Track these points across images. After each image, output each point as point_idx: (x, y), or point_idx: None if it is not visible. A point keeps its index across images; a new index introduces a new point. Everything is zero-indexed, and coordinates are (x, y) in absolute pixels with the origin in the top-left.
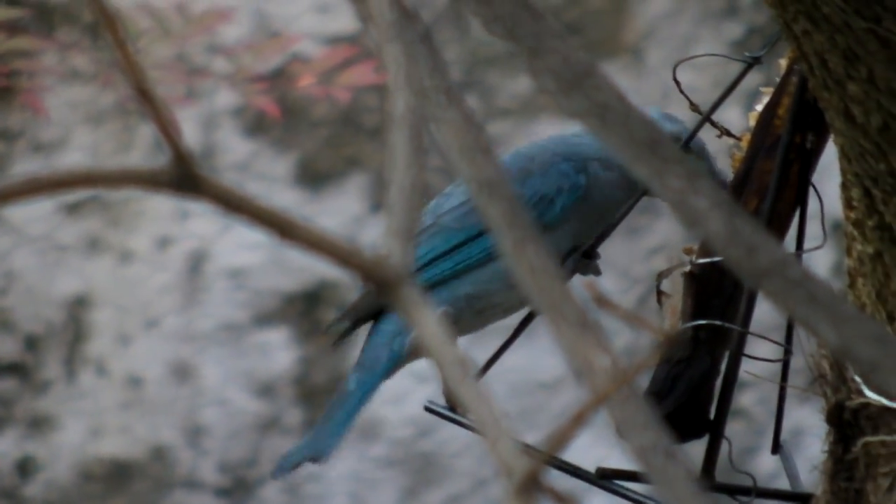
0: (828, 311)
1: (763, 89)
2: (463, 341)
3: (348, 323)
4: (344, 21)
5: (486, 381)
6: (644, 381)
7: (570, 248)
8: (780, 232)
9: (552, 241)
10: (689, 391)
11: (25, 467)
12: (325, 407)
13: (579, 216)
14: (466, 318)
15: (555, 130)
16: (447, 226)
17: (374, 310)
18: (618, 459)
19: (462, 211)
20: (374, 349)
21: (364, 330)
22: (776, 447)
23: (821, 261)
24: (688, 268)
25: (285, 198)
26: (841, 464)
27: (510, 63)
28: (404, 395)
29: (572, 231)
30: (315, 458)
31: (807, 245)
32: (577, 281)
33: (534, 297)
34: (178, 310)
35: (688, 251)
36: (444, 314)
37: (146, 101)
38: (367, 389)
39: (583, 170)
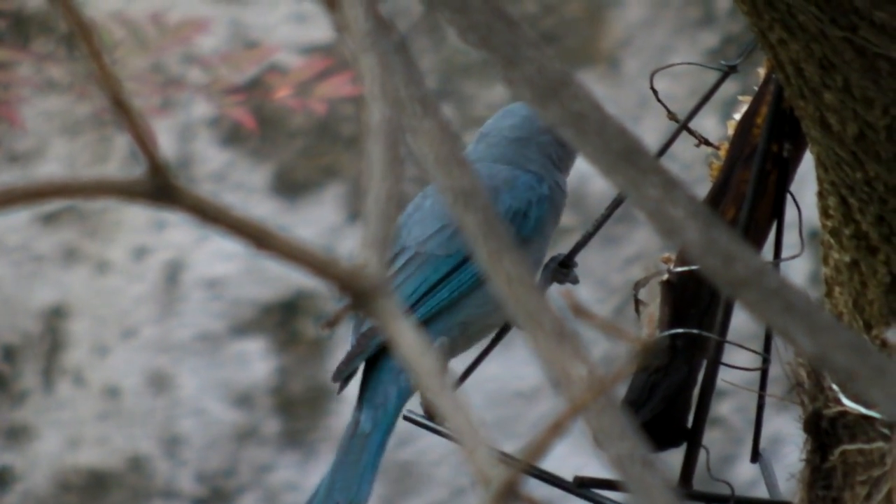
0: (805, 320)
1: (741, 98)
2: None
3: (357, 364)
4: (320, 31)
5: (463, 390)
6: (621, 390)
7: (546, 258)
8: (758, 241)
9: (531, 254)
10: (666, 400)
11: (3, 477)
12: (301, 423)
13: (550, 224)
14: (458, 344)
15: None
16: (433, 254)
17: (376, 347)
18: (595, 468)
19: (444, 236)
20: (382, 387)
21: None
22: (755, 456)
23: (798, 269)
24: (665, 277)
25: (262, 208)
26: (818, 472)
27: (486, 72)
28: None
29: (546, 241)
30: None
31: (784, 254)
32: (555, 290)
33: (511, 307)
34: (155, 320)
35: (665, 260)
36: (440, 346)
37: (122, 112)
38: (385, 430)
39: (543, 180)
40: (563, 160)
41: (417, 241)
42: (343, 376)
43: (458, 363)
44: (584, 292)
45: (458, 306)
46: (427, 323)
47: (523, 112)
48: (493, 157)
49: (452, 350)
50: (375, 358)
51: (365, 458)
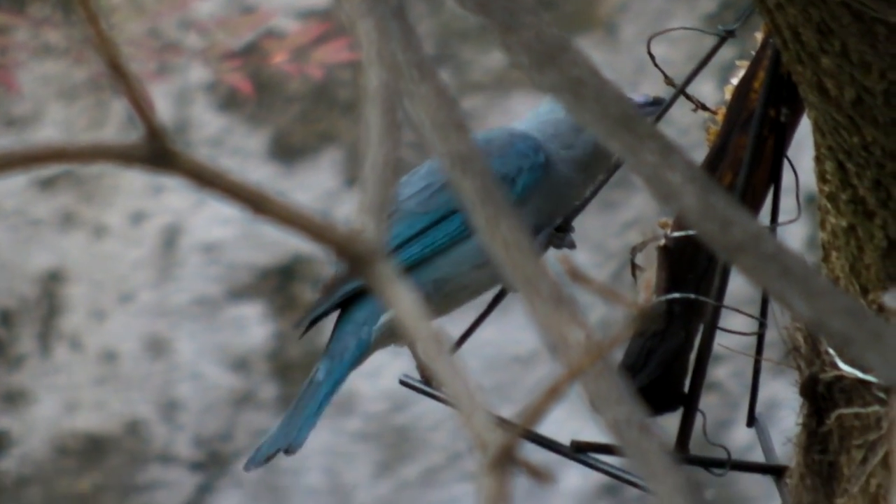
0: (801, 285)
1: (738, 63)
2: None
3: (319, 311)
4: None
5: (460, 355)
6: (618, 355)
7: (538, 226)
8: (755, 206)
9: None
10: (663, 365)
11: (0, 442)
12: (298, 387)
13: (541, 194)
14: (434, 302)
15: (528, 105)
16: (411, 211)
17: (342, 299)
18: (592, 433)
19: (425, 195)
20: (343, 338)
21: (334, 316)
22: (751, 420)
23: (795, 234)
24: (662, 241)
25: (259, 173)
26: (815, 436)
27: (483, 38)
28: (379, 370)
29: (535, 210)
30: (287, 450)
31: (781, 218)
32: (552, 255)
33: (508, 271)
34: (152, 285)
35: (662, 225)
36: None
37: (119, 77)
38: (336, 379)
39: (541, 148)
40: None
41: (399, 200)
42: (303, 325)
43: (455, 328)
44: (582, 257)
45: (431, 264)
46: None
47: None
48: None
49: (428, 307)
50: (345, 311)
51: (310, 405)
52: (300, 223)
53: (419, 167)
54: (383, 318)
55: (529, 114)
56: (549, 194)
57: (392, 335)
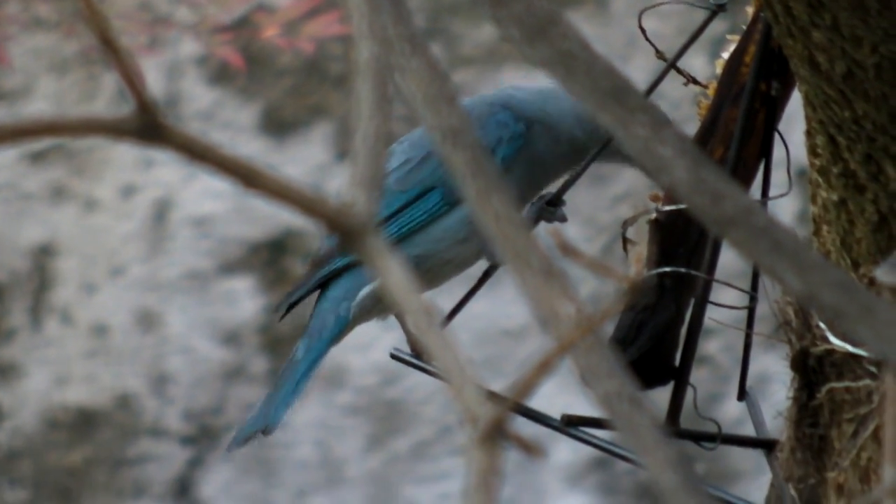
0: (793, 259)
1: (729, 37)
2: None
3: (297, 295)
4: None
5: (450, 328)
6: (609, 329)
7: (518, 197)
8: (746, 180)
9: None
10: (653, 338)
11: None
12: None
13: (522, 165)
14: (416, 279)
15: (519, 78)
16: (389, 189)
17: (321, 280)
18: (583, 406)
19: (403, 171)
20: (322, 316)
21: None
22: (742, 394)
23: (786, 208)
24: (653, 215)
25: (250, 147)
26: (805, 410)
27: (474, 11)
28: (369, 343)
29: (515, 180)
30: (264, 431)
31: (772, 193)
32: (543, 228)
33: (499, 245)
34: (143, 258)
35: (653, 199)
36: None
37: (110, 50)
38: (315, 357)
39: (522, 118)
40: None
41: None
42: (283, 308)
43: (446, 301)
44: (572, 231)
45: (410, 241)
46: None
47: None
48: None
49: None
50: (324, 289)
51: (288, 384)
52: (291, 197)
53: (405, 137)
54: (361, 294)
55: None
56: (531, 165)
57: (371, 311)
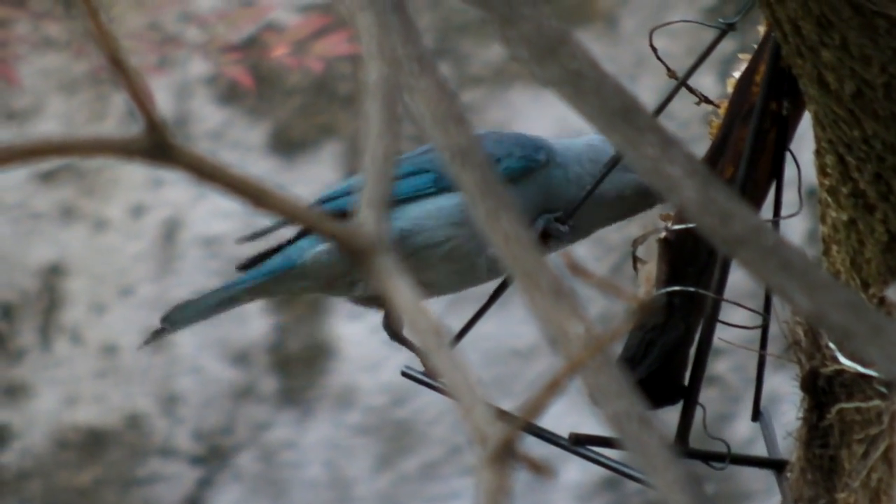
0: (802, 279)
1: (740, 56)
2: (437, 309)
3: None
4: None
5: (460, 348)
6: (618, 348)
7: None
8: (756, 199)
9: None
10: (663, 358)
11: (1, 435)
12: (298, 381)
13: (525, 185)
14: (406, 259)
15: (528, 98)
16: None
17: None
18: (592, 426)
19: (405, 156)
20: (279, 255)
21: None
22: (756, 414)
23: (796, 228)
24: (663, 234)
25: (259, 166)
26: (816, 430)
27: (483, 31)
28: (379, 363)
29: (522, 200)
30: (172, 324)
31: (783, 212)
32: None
33: (508, 265)
34: (152, 278)
35: (663, 218)
36: None
37: (119, 70)
38: (246, 280)
39: (547, 152)
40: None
41: None
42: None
43: (455, 321)
44: (582, 250)
45: (398, 210)
46: None
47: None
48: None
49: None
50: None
51: (210, 293)
52: (300, 216)
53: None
54: (320, 248)
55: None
56: (534, 192)
57: (327, 267)
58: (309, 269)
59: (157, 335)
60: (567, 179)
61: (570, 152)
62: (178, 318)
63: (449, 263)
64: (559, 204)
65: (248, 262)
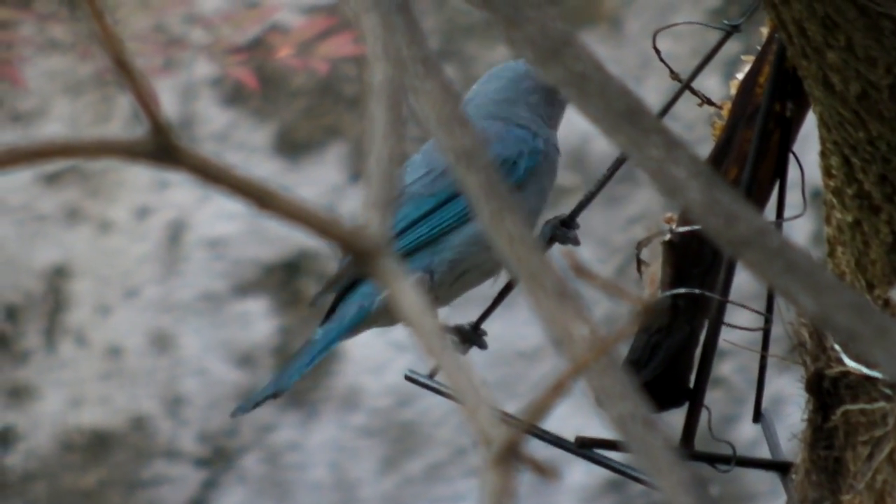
0: (807, 280)
1: (744, 57)
2: (442, 311)
3: (333, 293)
4: None
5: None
6: (623, 350)
7: (539, 210)
8: (760, 201)
9: (520, 202)
10: (668, 360)
11: (6, 437)
12: (303, 382)
13: (538, 179)
14: (447, 284)
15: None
16: (416, 193)
17: (354, 279)
18: (597, 428)
19: (429, 179)
20: (346, 306)
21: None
22: (757, 416)
23: (801, 229)
24: (667, 237)
25: (264, 168)
26: (820, 432)
27: (488, 32)
28: (384, 365)
29: (535, 193)
30: (276, 394)
31: (787, 214)
32: (556, 250)
33: (513, 266)
34: (157, 280)
35: (667, 220)
36: (422, 280)
37: (124, 72)
38: (332, 338)
39: (537, 135)
40: (552, 118)
41: (404, 185)
42: (320, 299)
43: (460, 323)
44: (586, 252)
45: (442, 243)
46: (407, 257)
47: (508, 74)
48: (482, 116)
49: (440, 289)
50: (352, 286)
51: (303, 356)
52: (305, 218)
53: (414, 156)
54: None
55: (478, 87)
56: (544, 181)
57: (394, 313)
58: (380, 315)
59: (259, 404)
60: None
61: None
62: (285, 385)
63: (481, 278)
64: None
65: (322, 297)
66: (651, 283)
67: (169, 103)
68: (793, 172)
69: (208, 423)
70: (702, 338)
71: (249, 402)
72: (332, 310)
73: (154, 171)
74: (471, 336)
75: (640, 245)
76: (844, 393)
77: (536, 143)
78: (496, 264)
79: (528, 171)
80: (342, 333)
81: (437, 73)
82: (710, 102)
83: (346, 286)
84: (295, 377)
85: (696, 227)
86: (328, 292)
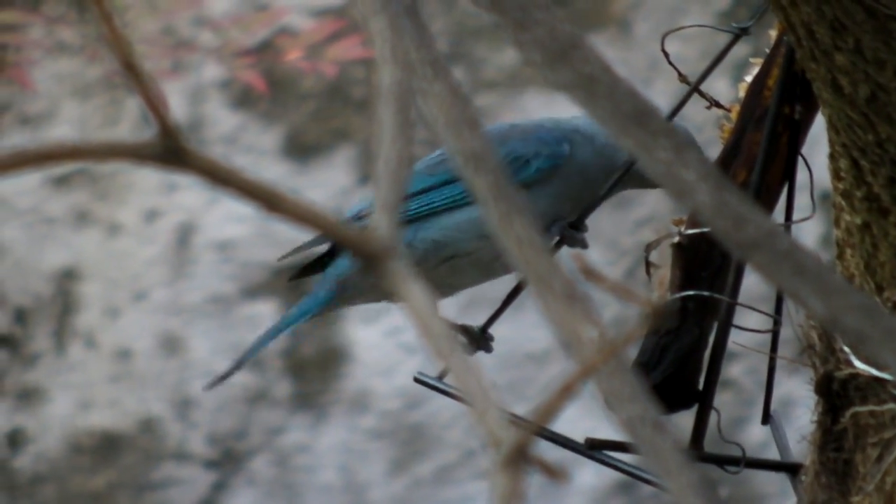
0: (816, 283)
1: (752, 60)
2: (451, 313)
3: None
4: None
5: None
6: (632, 353)
7: (550, 215)
8: (769, 203)
9: (530, 202)
10: (677, 362)
11: (15, 439)
12: (312, 385)
13: (557, 182)
14: (431, 265)
15: (542, 103)
16: (418, 172)
17: (325, 254)
18: (606, 430)
19: (434, 161)
20: (322, 282)
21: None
22: (766, 418)
23: (809, 232)
24: (676, 239)
25: (273, 171)
26: (830, 434)
27: (497, 35)
28: (393, 367)
29: (547, 195)
30: (238, 366)
31: (796, 216)
32: (565, 253)
33: (521, 269)
34: (166, 282)
35: (676, 222)
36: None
37: (133, 75)
38: (298, 315)
39: (567, 141)
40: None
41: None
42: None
43: (470, 324)
44: (595, 254)
45: (429, 222)
46: None
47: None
48: (545, 120)
49: (426, 270)
50: (330, 260)
51: (266, 332)
52: (314, 221)
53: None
54: (349, 271)
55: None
56: (567, 186)
57: (363, 291)
58: (357, 291)
59: (223, 378)
60: (595, 152)
61: (590, 122)
62: (245, 357)
63: (473, 269)
64: (591, 186)
65: (296, 275)
66: (660, 286)
67: (177, 106)
68: (801, 175)
69: (217, 425)
70: (711, 340)
71: (216, 379)
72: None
73: (163, 174)
74: (478, 339)
75: (648, 247)
76: (854, 395)
77: (561, 148)
78: (492, 258)
79: (540, 171)
80: (315, 308)
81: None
82: (718, 105)
83: (322, 261)
84: (254, 352)
85: (704, 229)
86: (305, 272)
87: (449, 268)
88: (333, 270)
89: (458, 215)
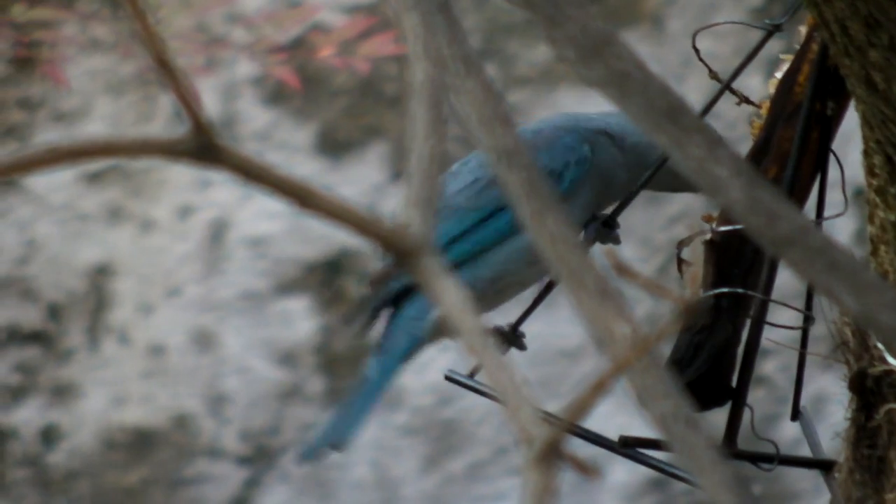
0: (850, 279)
1: (783, 56)
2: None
3: (369, 312)
4: None
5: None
6: (665, 350)
7: (585, 220)
8: (801, 199)
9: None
10: (710, 359)
11: (49, 435)
12: (345, 381)
13: (588, 188)
14: (488, 298)
15: (574, 99)
16: (459, 206)
17: (395, 295)
18: (639, 428)
19: (474, 190)
20: (395, 334)
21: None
22: (796, 414)
23: (842, 228)
24: (708, 236)
25: (306, 167)
26: (863, 431)
27: (529, 31)
28: (426, 364)
29: (582, 203)
30: (336, 446)
31: (827, 212)
32: (598, 249)
33: (554, 265)
34: (199, 279)
35: (708, 219)
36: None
37: (166, 71)
38: (387, 375)
39: (587, 141)
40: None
41: (447, 195)
42: (357, 322)
43: (502, 322)
44: (628, 251)
45: (483, 260)
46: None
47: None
48: (562, 119)
49: (480, 303)
50: (396, 306)
51: (359, 401)
52: (346, 217)
53: (469, 158)
54: (435, 313)
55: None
56: (596, 188)
57: (443, 331)
58: (429, 341)
59: (323, 454)
60: (623, 150)
61: (621, 122)
62: (345, 436)
63: (520, 288)
64: (616, 185)
65: (360, 319)
66: (693, 283)
67: (210, 102)
68: (833, 171)
69: (250, 421)
70: (744, 337)
71: (310, 451)
72: (374, 316)
73: (196, 170)
74: (510, 337)
75: (681, 244)
76: (888, 392)
77: (584, 151)
78: (535, 278)
79: (573, 182)
80: (397, 368)
81: (478, 72)
82: (749, 102)
83: (390, 300)
84: (355, 428)
85: (737, 225)
86: (372, 311)
87: (500, 295)
88: (412, 310)
89: (507, 247)
